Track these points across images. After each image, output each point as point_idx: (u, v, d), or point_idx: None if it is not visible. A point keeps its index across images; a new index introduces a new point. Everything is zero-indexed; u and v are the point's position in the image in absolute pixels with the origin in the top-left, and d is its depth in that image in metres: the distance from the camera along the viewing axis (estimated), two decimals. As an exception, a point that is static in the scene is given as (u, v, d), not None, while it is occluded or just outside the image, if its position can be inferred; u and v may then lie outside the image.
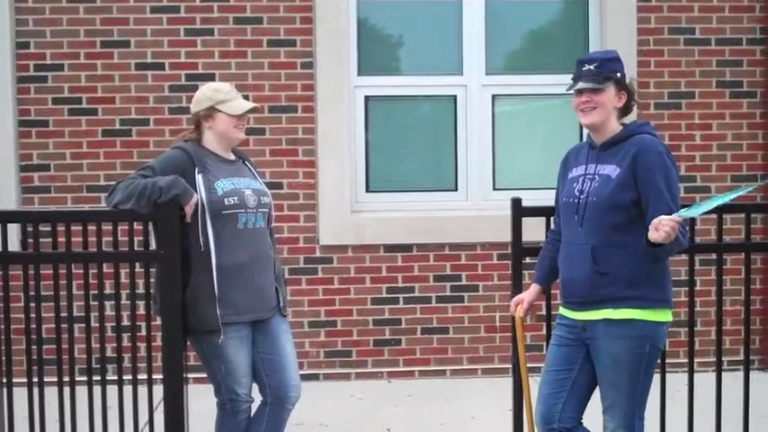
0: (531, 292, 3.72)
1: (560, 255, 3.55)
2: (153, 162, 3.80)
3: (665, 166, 3.29)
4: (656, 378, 3.92)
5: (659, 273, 3.34)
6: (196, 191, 3.68)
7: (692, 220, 3.89)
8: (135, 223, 3.80)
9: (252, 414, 3.89)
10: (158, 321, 3.81)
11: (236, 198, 3.73)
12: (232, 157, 3.94)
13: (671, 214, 3.18)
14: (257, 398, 3.90)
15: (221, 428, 3.86)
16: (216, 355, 3.73)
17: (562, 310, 3.55)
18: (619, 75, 3.43)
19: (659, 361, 3.97)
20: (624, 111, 3.50)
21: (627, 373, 3.33)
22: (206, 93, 3.87)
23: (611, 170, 3.35)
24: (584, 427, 3.55)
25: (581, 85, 3.42)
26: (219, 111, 3.81)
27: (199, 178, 3.70)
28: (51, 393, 3.86)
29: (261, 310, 3.81)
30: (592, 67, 3.42)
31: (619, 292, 3.27)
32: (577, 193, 3.43)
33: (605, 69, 3.42)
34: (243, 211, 3.74)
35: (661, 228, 3.07)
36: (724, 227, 4.01)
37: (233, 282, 3.70)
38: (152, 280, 3.93)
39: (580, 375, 3.46)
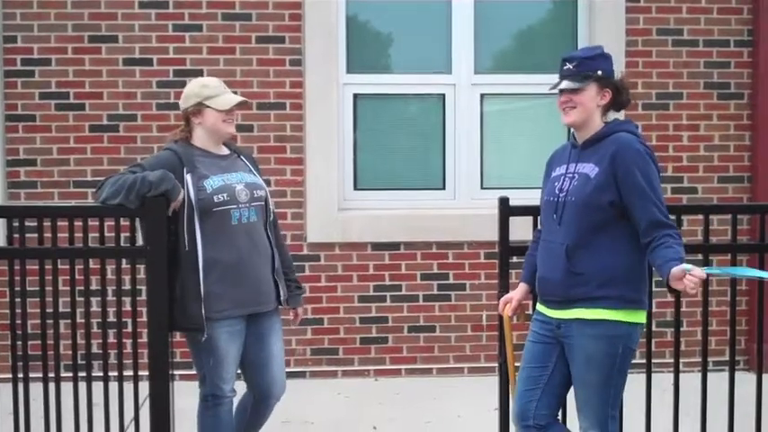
0: (519, 291, 3.70)
1: (538, 252, 3.55)
2: (143, 161, 3.80)
3: (643, 164, 3.27)
4: (642, 378, 3.95)
5: (634, 274, 3.33)
6: (185, 190, 3.67)
7: (678, 220, 3.91)
8: (121, 219, 3.79)
9: (237, 403, 3.96)
10: (144, 318, 3.80)
11: (225, 195, 3.72)
12: (224, 151, 3.93)
13: (658, 212, 3.21)
14: (240, 391, 3.93)
15: (202, 420, 3.88)
16: (207, 348, 3.73)
17: (538, 307, 3.56)
18: (600, 72, 3.40)
19: (644, 361, 3.99)
20: (617, 107, 3.49)
21: (599, 372, 3.32)
22: (194, 89, 3.86)
23: (590, 169, 3.34)
24: (560, 424, 3.57)
25: (561, 85, 3.43)
26: (208, 106, 3.80)
27: (188, 178, 3.69)
28: (36, 389, 3.85)
29: (259, 303, 3.83)
30: (571, 66, 3.42)
31: (592, 291, 3.27)
32: (557, 192, 3.43)
33: (584, 68, 3.40)
34: (235, 206, 3.74)
35: (687, 281, 3.06)
36: (710, 228, 4.01)
37: (230, 278, 3.71)
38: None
39: (555, 373, 3.46)
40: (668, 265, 3.12)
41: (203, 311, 3.66)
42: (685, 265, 3.09)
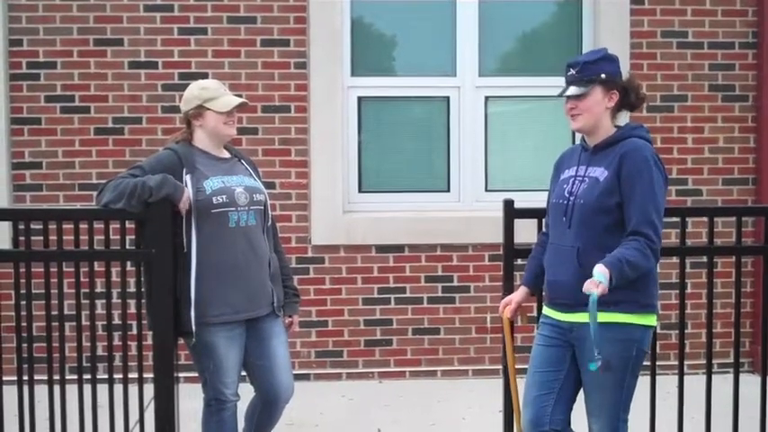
0: (519, 293, 3.69)
1: (547, 256, 3.53)
2: (143, 162, 3.80)
3: (647, 171, 3.25)
4: (646, 380, 3.94)
5: (646, 276, 3.30)
6: None
7: (683, 222, 3.91)
8: (126, 222, 3.80)
9: (247, 407, 3.96)
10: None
11: (224, 196, 3.72)
12: (225, 154, 3.93)
13: (643, 222, 3.20)
14: (244, 396, 3.93)
15: (206, 425, 3.88)
16: (206, 353, 3.73)
17: (547, 311, 3.54)
18: (604, 75, 3.37)
19: (649, 363, 3.98)
20: (628, 107, 3.46)
21: (613, 376, 3.30)
22: (194, 91, 3.86)
23: (600, 173, 3.33)
24: (572, 430, 3.56)
25: (566, 92, 3.41)
26: (208, 109, 3.80)
27: (187, 179, 3.69)
28: (41, 392, 3.86)
29: (255, 308, 3.81)
30: (575, 72, 3.39)
31: (604, 295, 3.24)
32: (567, 195, 3.41)
33: (587, 72, 3.37)
34: (233, 209, 3.74)
35: (587, 284, 3.07)
36: (715, 230, 4.01)
37: (226, 281, 3.70)
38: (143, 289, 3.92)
39: (568, 377, 3.44)
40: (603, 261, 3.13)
41: (193, 315, 3.66)
42: (597, 276, 3.06)
